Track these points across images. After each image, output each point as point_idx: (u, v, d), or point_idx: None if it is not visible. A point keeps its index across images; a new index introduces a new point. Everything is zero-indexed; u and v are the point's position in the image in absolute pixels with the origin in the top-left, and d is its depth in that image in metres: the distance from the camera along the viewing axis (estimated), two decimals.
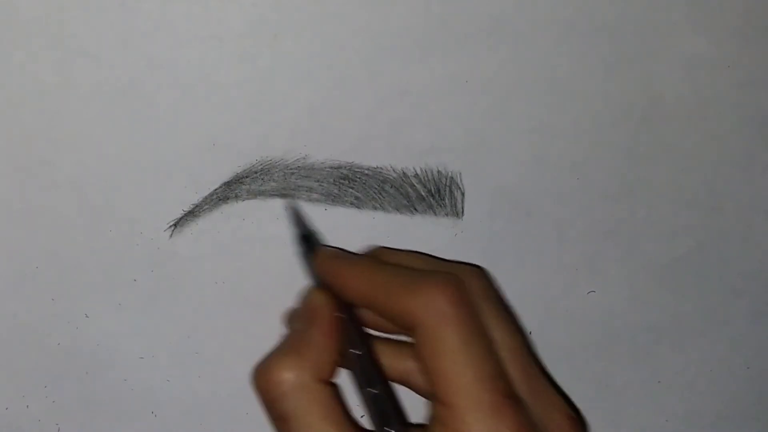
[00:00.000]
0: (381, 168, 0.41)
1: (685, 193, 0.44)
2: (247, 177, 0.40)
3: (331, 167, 0.40)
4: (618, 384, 0.44)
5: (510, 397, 0.32)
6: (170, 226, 0.40)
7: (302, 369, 0.35)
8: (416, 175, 0.41)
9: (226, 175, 0.40)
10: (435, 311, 0.33)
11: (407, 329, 0.34)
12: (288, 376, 0.34)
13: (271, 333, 0.41)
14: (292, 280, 0.41)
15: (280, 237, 0.41)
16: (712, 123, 0.43)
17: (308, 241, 0.39)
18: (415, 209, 0.41)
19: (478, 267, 0.38)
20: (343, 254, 0.39)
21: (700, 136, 0.43)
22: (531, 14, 0.41)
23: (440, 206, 0.41)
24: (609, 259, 0.41)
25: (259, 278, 0.41)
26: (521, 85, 0.41)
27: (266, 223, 0.41)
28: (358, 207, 0.41)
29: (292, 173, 0.40)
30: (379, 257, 0.39)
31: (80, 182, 0.39)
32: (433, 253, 0.42)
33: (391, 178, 0.41)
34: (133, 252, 0.40)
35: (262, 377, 0.35)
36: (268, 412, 0.35)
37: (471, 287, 0.35)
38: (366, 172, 0.41)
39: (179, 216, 0.40)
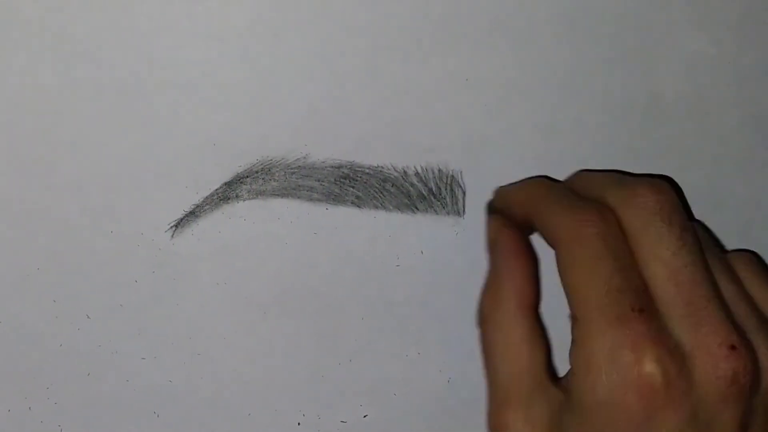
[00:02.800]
0: (382, 167, 0.41)
1: (685, 190, 0.44)
2: (247, 177, 0.40)
3: (332, 166, 0.40)
4: None
5: (639, 311, 0.31)
6: (171, 227, 0.40)
7: (501, 298, 0.36)
8: (417, 174, 0.41)
9: (226, 175, 0.40)
10: (569, 230, 0.33)
11: (551, 245, 0.35)
12: (489, 308, 0.36)
13: (274, 333, 0.41)
14: (294, 280, 0.41)
15: (281, 237, 0.41)
16: (712, 120, 0.43)
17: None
18: (416, 208, 0.41)
19: (661, 180, 0.35)
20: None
21: (700, 133, 0.43)
22: (531, 13, 0.41)
23: (441, 205, 0.41)
24: None
25: (261, 278, 0.41)
26: (522, 84, 0.41)
27: (268, 223, 0.41)
28: (359, 206, 0.41)
29: (293, 173, 0.40)
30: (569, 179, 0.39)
31: (81, 183, 0.39)
32: (433, 252, 0.42)
33: (392, 176, 0.41)
34: (134, 253, 0.40)
35: (477, 314, 0.37)
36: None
37: (631, 206, 0.34)
38: (367, 171, 0.41)
39: (180, 216, 0.40)
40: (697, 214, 0.44)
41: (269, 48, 0.39)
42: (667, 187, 0.35)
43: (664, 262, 0.33)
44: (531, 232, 0.39)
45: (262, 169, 0.40)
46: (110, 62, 0.39)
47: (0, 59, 0.38)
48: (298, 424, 0.42)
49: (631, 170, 0.43)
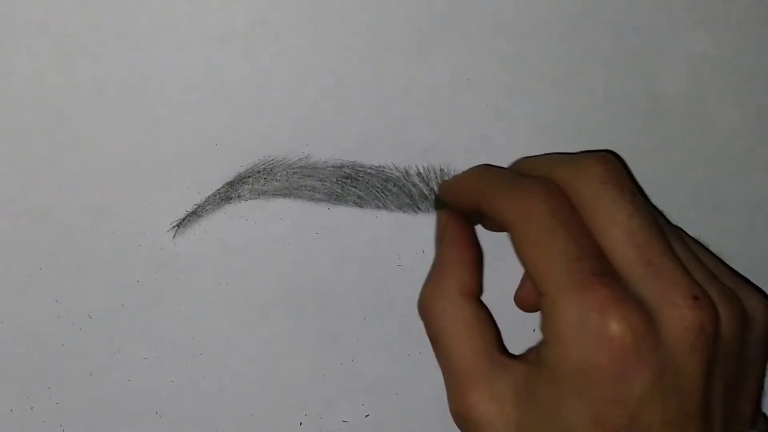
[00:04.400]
0: (384, 167, 0.41)
1: (687, 191, 0.44)
2: (249, 177, 0.40)
3: (334, 166, 0.40)
4: None
5: (601, 275, 0.32)
6: (173, 227, 0.40)
7: (444, 287, 0.36)
8: (419, 174, 0.41)
9: (228, 174, 0.40)
10: (518, 209, 0.34)
11: (504, 227, 0.35)
12: (432, 297, 0.36)
13: (276, 333, 0.41)
14: (296, 280, 0.41)
15: (283, 237, 0.41)
16: (714, 120, 0.43)
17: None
18: (418, 208, 0.41)
19: (605, 154, 0.36)
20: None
21: (702, 133, 0.43)
22: (533, 12, 0.41)
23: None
24: None
25: (263, 278, 0.41)
26: (523, 83, 0.41)
27: (269, 223, 0.41)
28: (361, 206, 0.41)
29: (295, 173, 0.40)
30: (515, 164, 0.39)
31: (82, 183, 0.39)
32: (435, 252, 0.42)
33: (393, 176, 0.41)
34: (136, 253, 0.40)
35: (419, 304, 0.37)
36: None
37: (581, 178, 0.34)
38: (369, 171, 0.41)
39: (182, 216, 0.40)
40: (699, 213, 0.44)
41: (271, 48, 0.39)
42: (611, 157, 0.35)
43: (620, 225, 0.33)
44: (477, 222, 0.39)
45: (264, 169, 0.40)
46: (112, 62, 0.39)
47: (2, 59, 0.38)
48: (300, 424, 0.42)
49: (632, 169, 0.43)
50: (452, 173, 0.41)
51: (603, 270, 0.32)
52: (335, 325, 0.42)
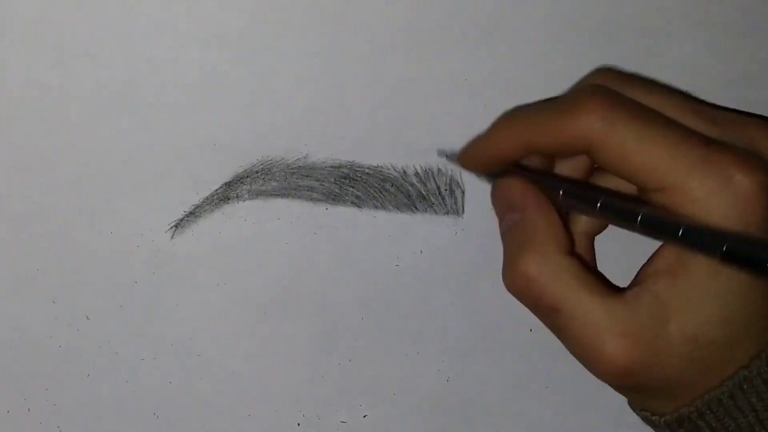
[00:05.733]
0: (381, 167, 0.41)
1: None
2: (247, 177, 0.40)
3: (332, 166, 0.41)
4: None
5: (711, 143, 0.33)
6: (171, 227, 0.40)
7: (544, 255, 0.35)
8: (417, 174, 0.41)
9: (226, 175, 0.40)
10: (598, 123, 0.33)
11: (585, 151, 0.34)
12: (535, 269, 0.34)
13: (274, 333, 0.41)
14: (294, 281, 0.41)
15: (281, 237, 0.41)
16: None
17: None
18: (416, 208, 0.41)
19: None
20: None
21: None
22: (529, 13, 0.41)
23: (441, 204, 0.41)
24: (610, 256, 0.41)
25: (261, 279, 0.41)
26: (520, 84, 0.41)
27: (267, 223, 0.41)
28: (358, 206, 0.41)
29: (293, 173, 0.40)
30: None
31: (80, 183, 0.39)
32: (433, 252, 0.42)
33: (391, 176, 0.41)
34: (133, 253, 0.40)
35: (514, 284, 0.35)
36: (537, 314, 0.35)
37: (611, 84, 0.35)
38: (367, 171, 0.41)
39: (180, 217, 0.40)
40: None
41: (269, 48, 0.39)
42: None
43: (674, 99, 0.36)
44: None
45: (262, 170, 0.40)
46: (110, 62, 0.39)
47: (0, 59, 0.38)
48: (298, 424, 0.42)
49: None
50: (449, 173, 0.41)
51: (709, 139, 0.33)
52: (333, 326, 0.42)
